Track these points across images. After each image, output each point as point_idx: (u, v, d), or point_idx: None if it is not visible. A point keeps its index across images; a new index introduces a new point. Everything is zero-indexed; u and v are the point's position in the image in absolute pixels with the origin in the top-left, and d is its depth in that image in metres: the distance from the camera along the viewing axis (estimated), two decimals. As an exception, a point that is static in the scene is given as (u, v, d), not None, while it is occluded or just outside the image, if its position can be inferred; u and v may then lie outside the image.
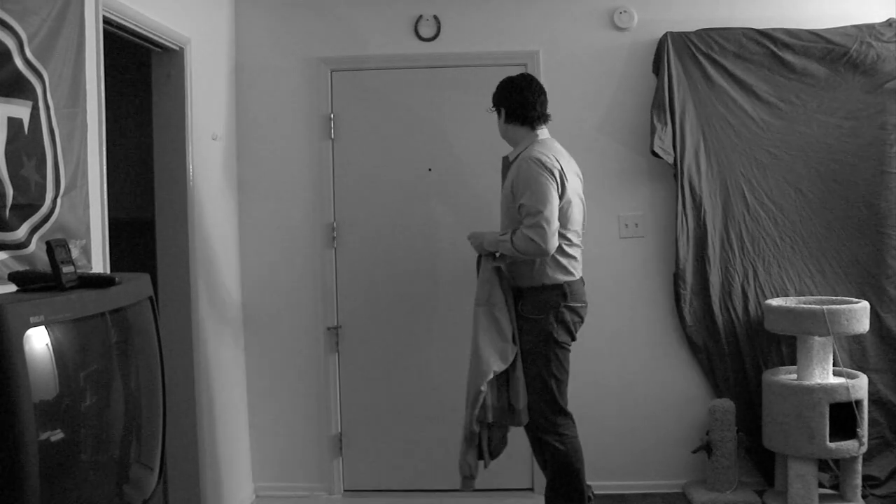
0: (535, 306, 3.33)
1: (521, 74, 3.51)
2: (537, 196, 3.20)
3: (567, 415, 3.42)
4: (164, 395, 2.37)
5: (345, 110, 4.18)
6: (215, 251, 3.90)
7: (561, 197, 3.26)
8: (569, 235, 3.33)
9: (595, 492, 4.16)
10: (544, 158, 3.25)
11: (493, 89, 4.18)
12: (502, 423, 3.41)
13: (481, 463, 3.40)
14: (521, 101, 3.39)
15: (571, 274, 3.35)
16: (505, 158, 3.53)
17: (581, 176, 3.49)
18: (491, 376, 3.27)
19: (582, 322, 3.43)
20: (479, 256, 3.49)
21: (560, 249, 3.27)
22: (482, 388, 3.28)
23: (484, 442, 3.37)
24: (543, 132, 3.43)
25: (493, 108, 3.51)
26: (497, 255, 3.42)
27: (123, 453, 2.16)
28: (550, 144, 3.38)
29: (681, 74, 4.00)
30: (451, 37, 4.17)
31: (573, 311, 3.36)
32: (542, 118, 3.43)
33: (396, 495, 4.14)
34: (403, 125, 4.21)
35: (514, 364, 3.33)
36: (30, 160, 2.30)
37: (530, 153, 3.30)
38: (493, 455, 3.43)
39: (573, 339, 3.41)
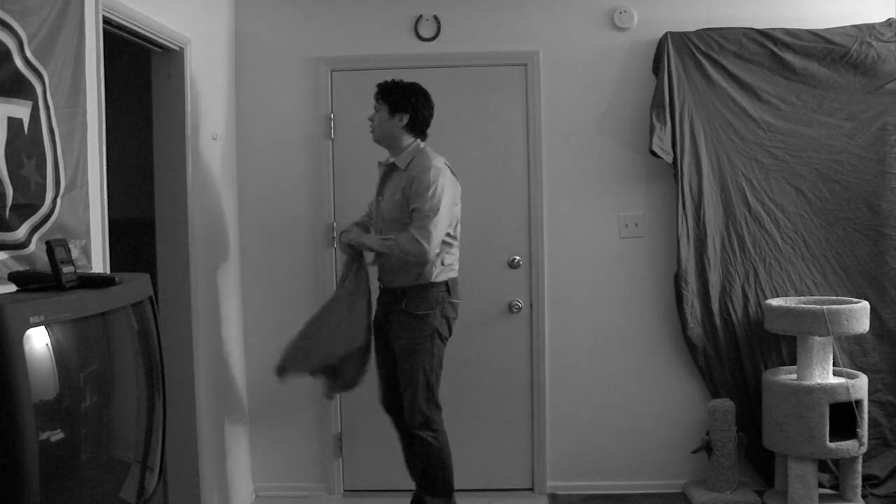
0: (422, 302, 3.41)
1: (423, 88, 3.52)
2: (432, 204, 3.31)
3: (439, 408, 3.51)
4: (164, 395, 2.37)
5: (345, 110, 4.18)
6: (215, 251, 3.90)
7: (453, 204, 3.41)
8: (453, 235, 3.48)
9: (595, 492, 4.18)
10: (444, 169, 3.38)
11: (493, 89, 4.19)
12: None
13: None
14: (427, 116, 3.50)
15: (454, 271, 3.50)
16: (386, 164, 3.54)
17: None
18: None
19: (457, 318, 3.54)
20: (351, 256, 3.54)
21: (447, 248, 3.42)
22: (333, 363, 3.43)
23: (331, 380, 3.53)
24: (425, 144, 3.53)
25: (383, 104, 3.46)
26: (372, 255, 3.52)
27: (123, 453, 2.16)
28: (437, 154, 3.46)
29: (681, 74, 4.00)
30: (451, 37, 4.17)
31: (453, 307, 3.50)
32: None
33: (396, 495, 4.14)
34: (403, 125, 4.20)
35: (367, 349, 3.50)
36: (30, 160, 2.30)
37: (430, 162, 3.38)
38: (350, 386, 3.53)
39: (451, 334, 3.53)
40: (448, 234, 3.42)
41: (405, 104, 3.45)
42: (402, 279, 3.43)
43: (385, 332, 3.53)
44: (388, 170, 3.53)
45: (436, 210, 3.31)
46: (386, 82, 3.50)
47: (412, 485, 4.17)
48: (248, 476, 4.24)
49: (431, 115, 3.53)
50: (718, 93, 4.02)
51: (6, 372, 1.61)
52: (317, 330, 3.46)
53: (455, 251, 3.51)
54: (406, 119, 3.45)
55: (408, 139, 3.48)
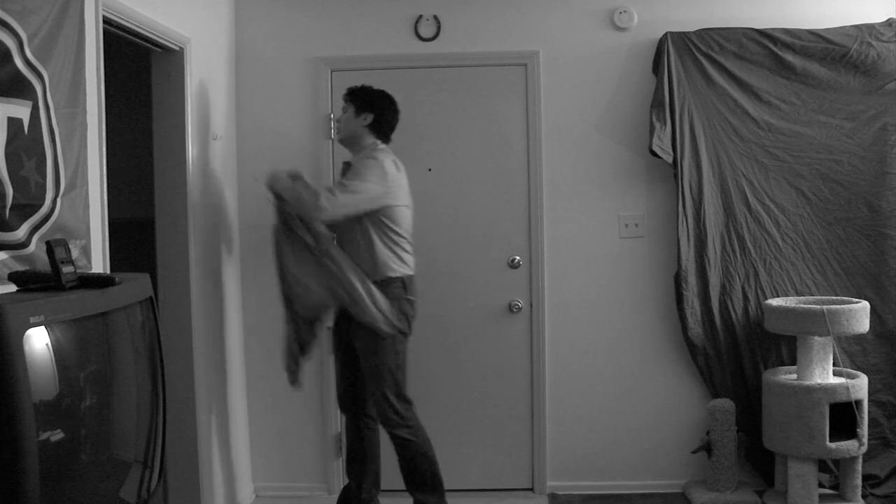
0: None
1: (390, 95, 3.64)
2: (356, 182, 3.42)
3: (411, 403, 3.55)
4: (164, 395, 2.37)
5: (345, 110, 4.18)
6: (215, 251, 3.89)
7: (393, 203, 3.47)
8: (405, 236, 3.55)
9: (595, 492, 4.18)
10: (388, 165, 3.48)
11: (493, 89, 4.19)
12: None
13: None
14: (392, 119, 3.63)
15: (410, 268, 3.56)
16: (346, 163, 3.65)
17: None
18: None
19: (415, 317, 3.59)
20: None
21: (400, 247, 3.51)
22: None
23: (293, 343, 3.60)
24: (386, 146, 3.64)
25: (350, 105, 3.58)
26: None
27: (123, 453, 2.16)
28: (390, 154, 3.58)
29: (681, 74, 4.00)
30: (451, 37, 4.17)
31: (411, 304, 3.56)
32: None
33: (396, 495, 4.13)
34: (403, 125, 4.19)
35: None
36: (30, 160, 2.30)
37: (376, 154, 3.52)
38: (304, 349, 3.62)
39: (411, 331, 3.58)
40: (397, 234, 3.50)
41: (370, 105, 3.58)
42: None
43: (345, 331, 3.58)
44: (345, 169, 3.63)
45: (356, 187, 3.40)
46: (354, 86, 3.65)
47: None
48: (248, 476, 4.24)
49: (396, 120, 3.65)
50: (718, 93, 4.02)
51: (6, 372, 1.61)
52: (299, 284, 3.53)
53: (409, 248, 3.58)
54: (370, 119, 3.56)
55: (369, 139, 3.59)
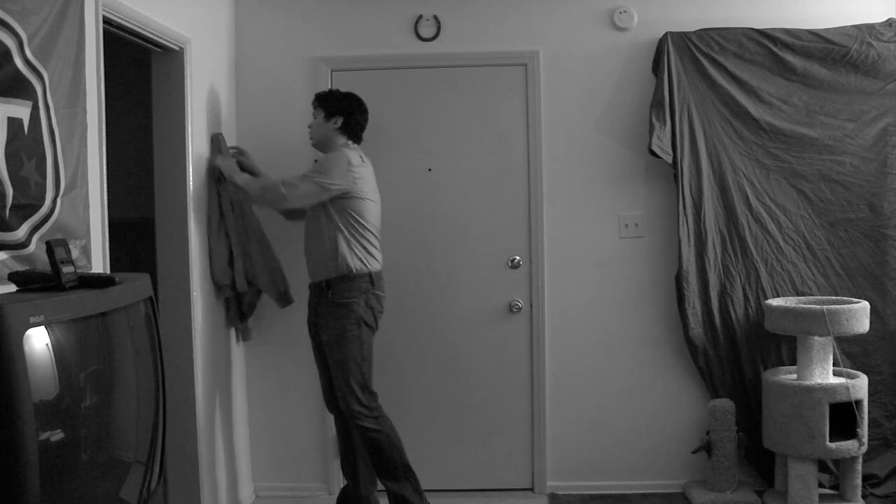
0: (347, 291, 3.53)
1: (358, 96, 3.74)
2: (317, 172, 3.56)
3: (375, 394, 3.62)
4: (164, 395, 2.37)
5: (345, 110, 4.18)
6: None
7: (359, 196, 3.56)
8: (372, 231, 3.62)
9: (595, 492, 4.18)
10: (354, 160, 3.58)
11: (493, 89, 4.18)
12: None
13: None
14: (362, 120, 3.74)
15: (377, 262, 3.62)
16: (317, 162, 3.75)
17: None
18: None
19: (382, 313, 3.66)
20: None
21: (368, 241, 3.58)
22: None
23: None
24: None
25: (320, 110, 3.69)
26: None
27: (123, 453, 2.16)
28: (357, 150, 3.70)
29: (681, 74, 4.00)
30: (451, 37, 4.17)
31: (378, 299, 3.62)
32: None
33: (396, 495, 4.14)
34: (403, 125, 4.21)
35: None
36: (30, 160, 2.30)
37: (341, 148, 3.64)
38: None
39: (377, 326, 3.64)
40: (365, 228, 3.57)
41: (339, 108, 3.68)
42: (323, 272, 3.57)
43: (317, 329, 3.65)
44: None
45: (316, 177, 3.51)
46: (321, 92, 3.79)
47: (412, 485, 4.17)
48: (248, 476, 4.24)
49: (366, 120, 3.75)
50: (719, 93, 4.02)
51: (6, 372, 1.61)
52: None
53: (377, 244, 3.64)
54: (340, 121, 3.67)
55: (341, 140, 3.69)
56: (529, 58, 4.15)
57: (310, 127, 3.75)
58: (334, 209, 3.54)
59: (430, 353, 4.22)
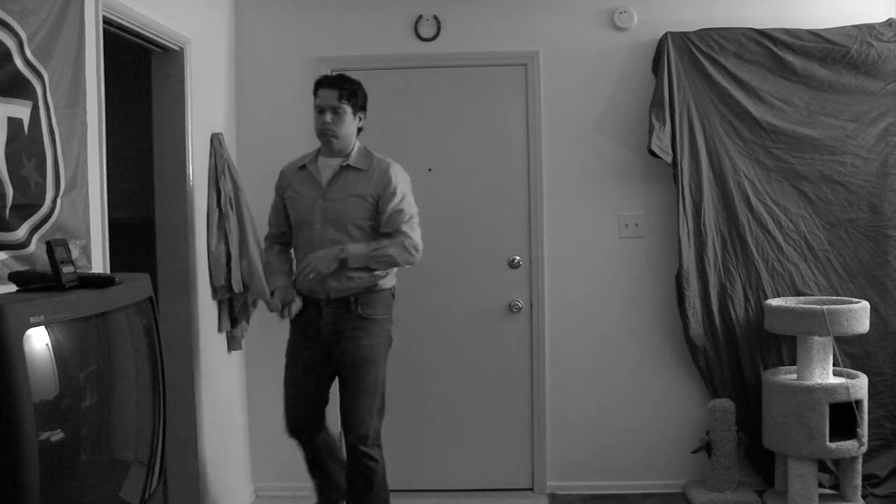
0: (378, 306, 3.25)
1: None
2: (410, 202, 3.29)
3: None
4: (164, 395, 2.37)
5: (345, 110, 4.18)
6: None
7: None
8: None
9: (595, 492, 4.18)
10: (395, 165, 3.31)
11: (493, 89, 4.18)
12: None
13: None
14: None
15: (395, 279, 3.38)
16: (347, 167, 3.27)
17: None
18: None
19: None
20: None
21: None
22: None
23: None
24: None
25: (347, 105, 3.22)
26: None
27: (123, 453, 2.16)
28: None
29: (681, 74, 4.00)
30: (451, 37, 4.17)
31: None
32: None
33: (396, 495, 4.12)
34: (403, 125, 4.21)
35: None
36: (30, 160, 2.30)
37: (390, 161, 3.30)
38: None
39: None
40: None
41: (364, 104, 3.32)
42: (358, 281, 3.20)
43: (325, 344, 3.26)
44: (344, 169, 3.27)
45: (411, 209, 3.29)
46: (344, 79, 3.25)
47: (411, 483, 4.18)
48: (248, 476, 4.24)
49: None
50: (719, 93, 4.01)
51: (6, 372, 1.61)
52: None
53: None
54: (363, 119, 3.34)
55: (354, 139, 3.33)
56: (529, 58, 4.15)
57: (328, 121, 3.22)
58: (377, 224, 3.25)
59: (429, 353, 4.22)
